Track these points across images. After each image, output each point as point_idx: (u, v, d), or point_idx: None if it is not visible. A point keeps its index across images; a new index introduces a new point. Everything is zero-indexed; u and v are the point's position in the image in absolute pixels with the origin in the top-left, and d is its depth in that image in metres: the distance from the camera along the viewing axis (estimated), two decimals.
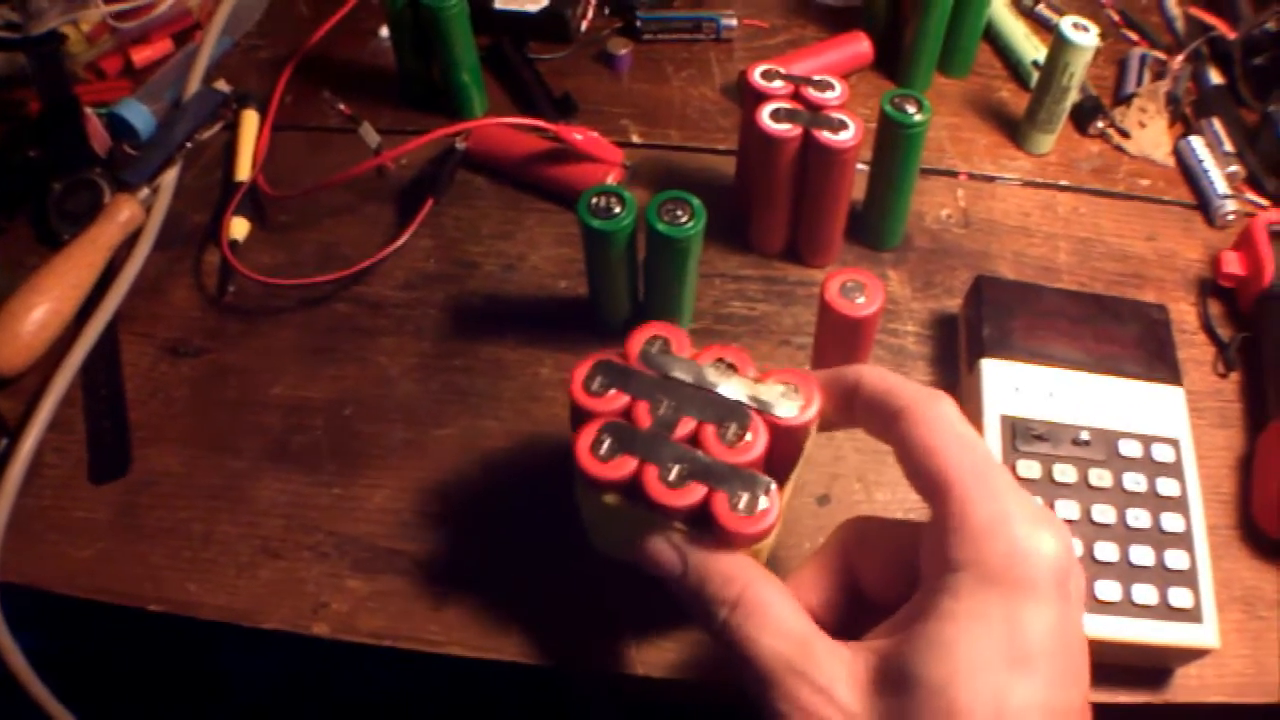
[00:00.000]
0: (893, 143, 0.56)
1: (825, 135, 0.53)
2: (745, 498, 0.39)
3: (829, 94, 0.55)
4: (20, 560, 0.52)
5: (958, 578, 0.34)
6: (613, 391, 0.41)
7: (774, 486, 0.39)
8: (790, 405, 0.41)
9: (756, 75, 0.56)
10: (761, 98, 0.55)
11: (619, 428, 0.40)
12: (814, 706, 0.35)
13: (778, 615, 0.37)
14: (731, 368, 0.42)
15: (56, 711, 0.52)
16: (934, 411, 0.38)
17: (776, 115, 0.54)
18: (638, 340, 0.42)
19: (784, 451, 0.43)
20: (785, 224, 0.60)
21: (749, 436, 0.40)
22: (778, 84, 0.56)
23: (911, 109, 0.55)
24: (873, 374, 0.40)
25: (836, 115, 0.54)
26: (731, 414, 0.40)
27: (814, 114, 0.54)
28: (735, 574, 0.38)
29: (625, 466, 0.39)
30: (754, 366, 0.42)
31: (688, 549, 0.40)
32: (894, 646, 0.35)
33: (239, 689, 0.88)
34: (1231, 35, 0.72)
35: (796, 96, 0.56)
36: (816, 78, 0.56)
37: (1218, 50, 0.74)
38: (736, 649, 0.37)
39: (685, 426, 0.40)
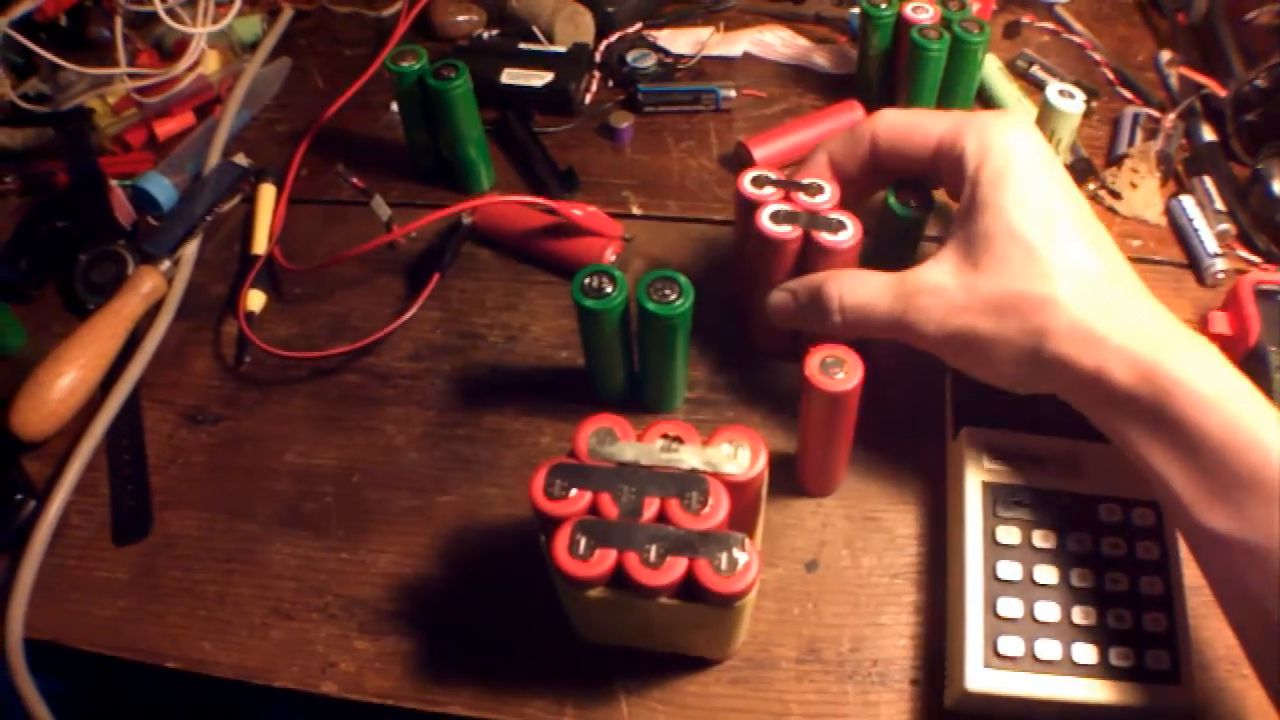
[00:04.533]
0: (893, 233, 0.57)
1: (824, 236, 0.53)
2: (724, 558, 0.41)
3: (820, 198, 0.55)
4: (45, 617, 0.55)
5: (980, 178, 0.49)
6: (574, 492, 0.43)
7: (747, 540, 0.41)
8: (740, 461, 0.43)
9: (747, 184, 0.56)
10: (755, 205, 0.55)
11: (590, 524, 0.42)
12: (933, 300, 0.49)
13: (867, 279, 0.52)
14: (677, 440, 0.44)
15: None
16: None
17: (776, 217, 0.54)
18: (583, 437, 0.44)
19: (745, 504, 0.45)
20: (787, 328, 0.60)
21: (711, 501, 0.42)
22: (769, 190, 0.55)
23: (914, 201, 0.55)
24: (886, 121, 0.54)
25: (835, 216, 0.54)
26: (689, 484, 0.43)
27: (812, 216, 0.54)
28: (825, 279, 0.53)
29: (605, 560, 0.41)
30: (697, 434, 0.44)
31: (793, 286, 0.55)
32: (958, 235, 0.49)
33: None
34: (1222, 93, 0.73)
35: (788, 201, 0.55)
36: (806, 181, 0.56)
37: (1210, 107, 0.75)
38: (858, 318, 0.52)
39: (650, 507, 0.42)
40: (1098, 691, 0.47)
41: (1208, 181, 0.70)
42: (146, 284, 0.66)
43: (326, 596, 0.55)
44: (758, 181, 0.56)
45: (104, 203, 0.70)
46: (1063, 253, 0.47)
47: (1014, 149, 0.49)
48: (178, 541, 0.58)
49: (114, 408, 0.62)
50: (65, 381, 0.61)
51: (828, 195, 0.55)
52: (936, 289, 0.49)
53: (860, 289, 0.51)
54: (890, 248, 0.57)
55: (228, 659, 0.53)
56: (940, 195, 0.56)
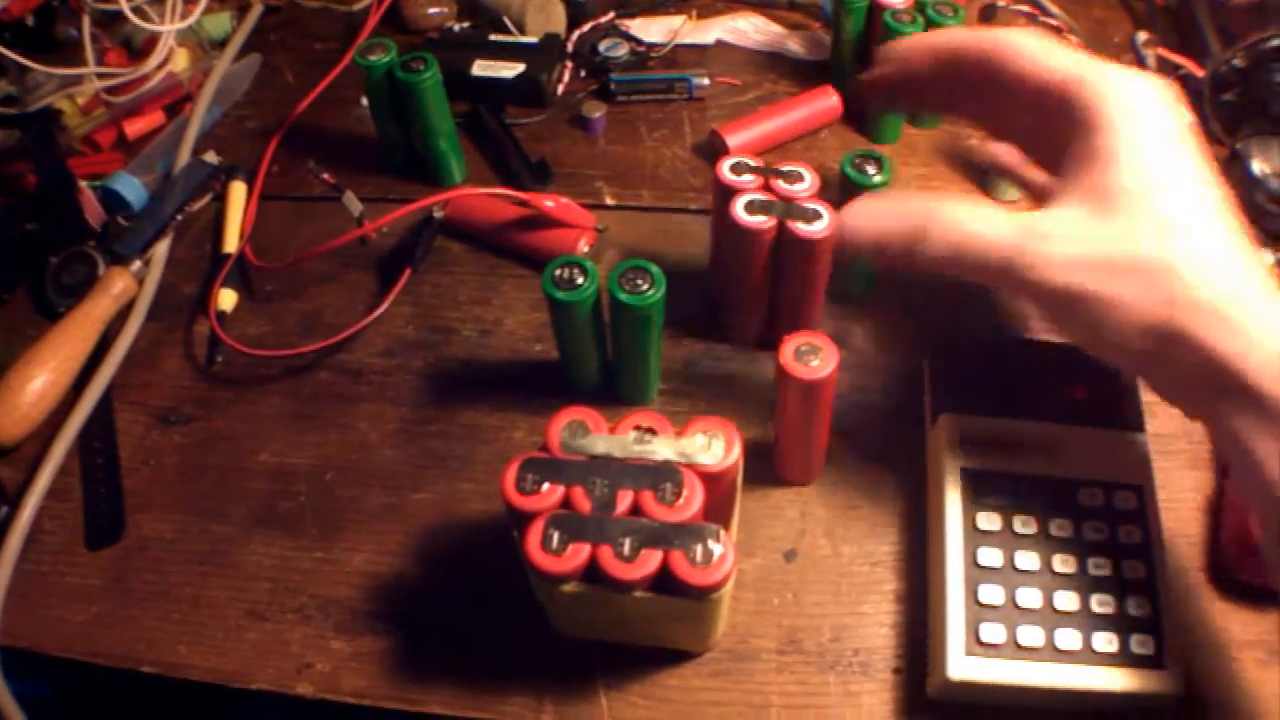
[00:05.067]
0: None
1: (800, 227, 0.53)
2: (699, 550, 0.41)
3: (799, 186, 0.54)
4: (19, 624, 0.54)
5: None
6: (546, 486, 0.42)
7: (722, 532, 0.41)
8: (714, 452, 0.43)
9: (725, 170, 0.55)
10: (733, 193, 0.54)
11: (563, 518, 0.41)
12: (1059, 246, 0.43)
13: (981, 207, 0.46)
14: (650, 431, 0.44)
15: None
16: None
17: (750, 207, 0.53)
18: (555, 431, 0.44)
19: (720, 494, 0.45)
20: (762, 317, 0.60)
21: (685, 492, 0.42)
22: (747, 177, 0.55)
23: (872, 170, 0.56)
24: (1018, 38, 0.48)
25: (810, 205, 0.53)
26: (663, 475, 0.42)
27: (788, 205, 0.53)
28: (932, 199, 0.47)
29: (579, 554, 0.41)
30: (670, 425, 0.44)
31: (882, 204, 0.47)
32: (1082, 186, 0.44)
33: None
34: (1200, 73, 0.73)
35: (767, 188, 0.55)
36: (785, 169, 0.55)
37: (1188, 87, 0.74)
38: (969, 245, 0.45)
39: (624, 500, 0.42)
40: (1081, 677, 0.47)
41: None
42: (117, 285, 0.65)
43: (301, 597, 0.54)
44: (736, 168, 0.55)
45: (73, 204, 0.69)
46: (1204, 228, 0.43)
47: (1150, 107, 0.44)
48: (151, 544, 0.57)
49: (86, 410, 0.61)
50: (36, 385, 0.61)
51: (807, 183, 0.55)
52: (1064, 235, 0.44)
53: (977, 214, 0.46)
54: None
55: (204, 662, 0.53)
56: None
